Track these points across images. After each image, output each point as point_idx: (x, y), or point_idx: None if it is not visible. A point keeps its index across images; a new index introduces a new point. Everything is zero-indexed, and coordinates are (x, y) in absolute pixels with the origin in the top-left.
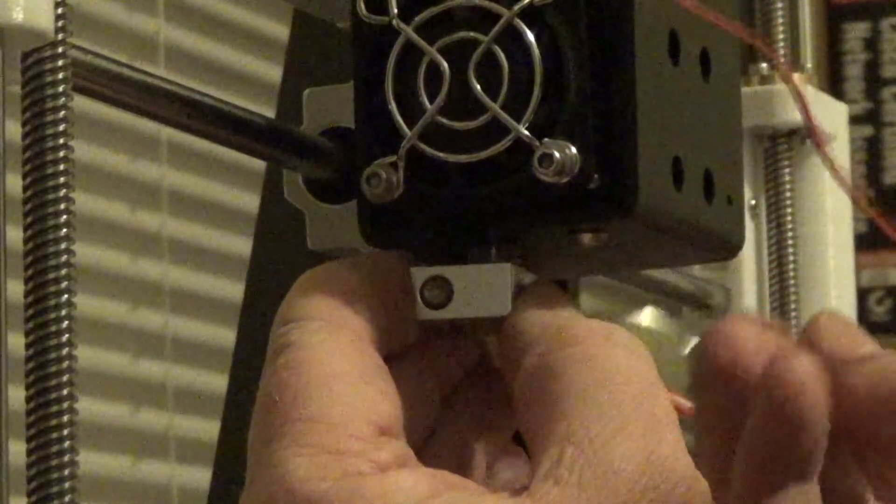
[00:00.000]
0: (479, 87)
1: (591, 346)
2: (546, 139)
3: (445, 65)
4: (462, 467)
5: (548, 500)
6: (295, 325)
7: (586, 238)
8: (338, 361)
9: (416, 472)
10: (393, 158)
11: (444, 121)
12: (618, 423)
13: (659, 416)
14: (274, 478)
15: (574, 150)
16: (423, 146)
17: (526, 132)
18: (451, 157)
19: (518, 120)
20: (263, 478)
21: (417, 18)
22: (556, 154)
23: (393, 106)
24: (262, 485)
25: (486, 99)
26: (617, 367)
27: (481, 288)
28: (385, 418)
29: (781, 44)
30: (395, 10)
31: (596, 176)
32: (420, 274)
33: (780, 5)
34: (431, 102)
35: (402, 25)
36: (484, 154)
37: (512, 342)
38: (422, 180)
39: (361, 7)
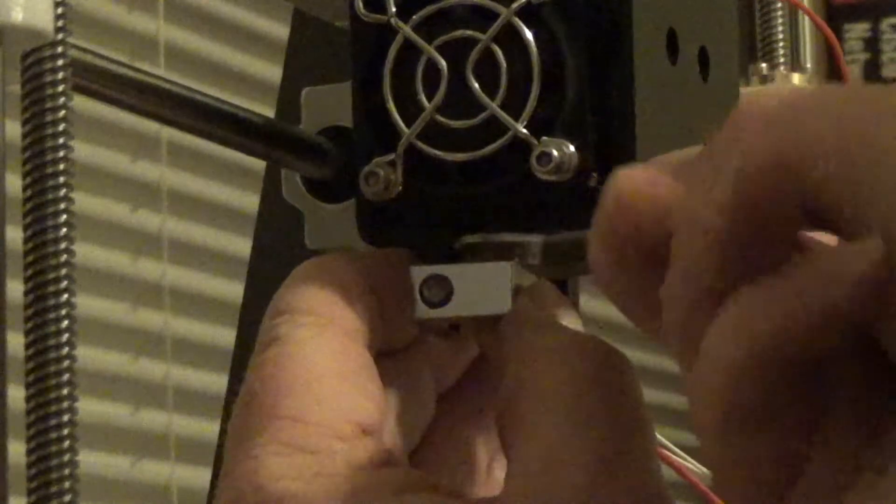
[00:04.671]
0: (477, 85)
1: (571, 363)
2: (544, 137)
3: (444, 63)
4: (459, 465)
5: None
6: (284, 318)
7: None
8: (323, 359)
9: (388, 473)
10: (391, 157)
11: (443, 119)
12: (586, 447)
13: (630, 439)
14: (246, 473)
15: (572, 148)
16: (421, 144)
17: (524, 130)
18: (450, 156)
19: (516, 118)
20: (236, 473)
21: (416, 17)
22: (555, 152)
23: (391, 104)
24: (233, 480)
25: (484, 97)
26: (594, 386)
27: (481, 287)
28: (366, 418)
29: (781, 44)
30: (394, 9)
31: (594, 174)
32: (419, 272)
33: (780, 5)
34: (430, 101)
35: (401, 24)
36: (482, 152)
37: (500, 347)
38: (420, 179)
39: (359, 5)
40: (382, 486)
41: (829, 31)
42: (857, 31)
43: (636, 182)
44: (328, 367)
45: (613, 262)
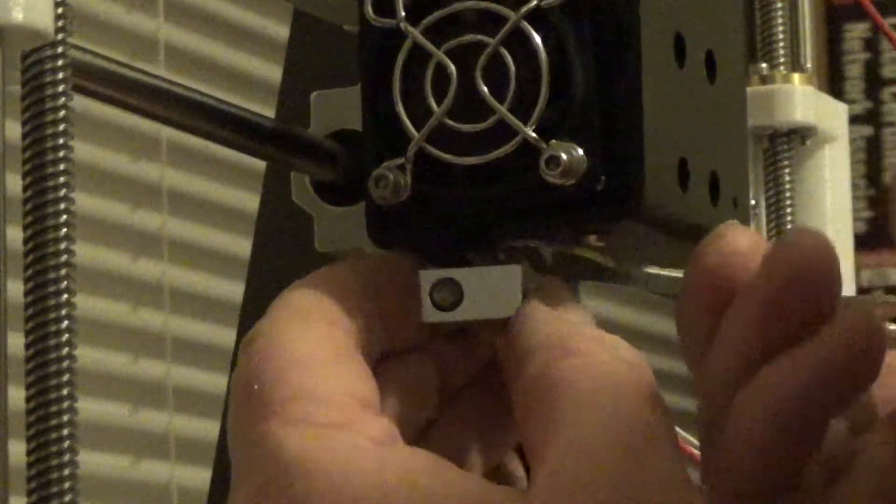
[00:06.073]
0: (486, 89)
1: (594, 358)
2: (553, 141)
3: (453, 67)
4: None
5: (544, 500)
6: (263, 319)
7: (592, 239)
8: (308, 344)
9: (412, 450)
10: (400, 160)
11: (452, 123)
12: (614, 438)
13: (656, 430)
14: (268, 457)
15: (581, 151)
16: (430, 148)
17: (533, 134)
18: (459, 160)
19: (525, 122)
20: (256, 459)
21: (425, 21)
22: (563, 156)
23: (400, 108)
24: (255, 467)
25: (493, 101)
26: (618, 380)
27: (491, 290)
28: (364, 395)
29: (781, 44)
30: (403, 13)
31: (602, 178)
32: (429, 276)
33: (780, 5)
34: (439, 105)
35: (410, 28)
36: (491, 156)
37: (515, 346)
38: (429, 182)
39: (368, 10)
40: (412, 462)
41: None
42: (857, 31)
43: (749, 242)
44: (315, 350)
45: (709, 302)
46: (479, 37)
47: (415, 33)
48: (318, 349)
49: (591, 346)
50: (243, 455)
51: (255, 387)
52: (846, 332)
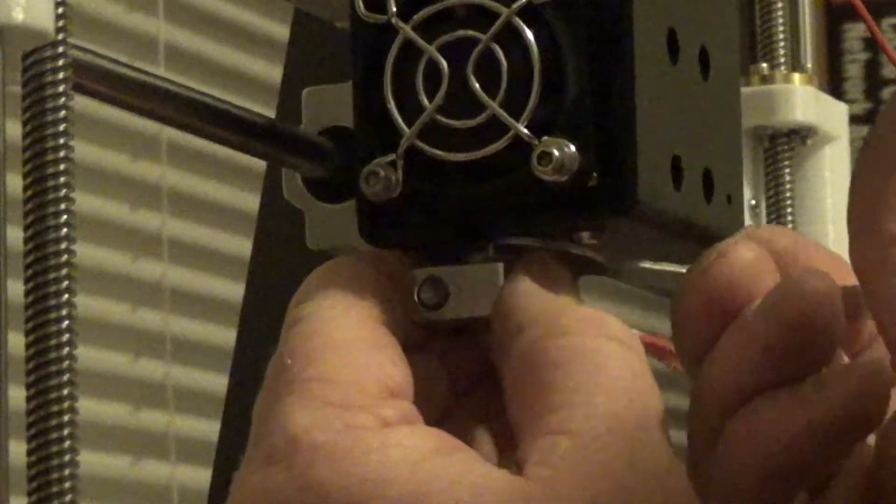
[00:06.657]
0: (478, 85)
1: (586, 338)
2: (545, 137)
3: (444, 63)
4: None
5: (543, 483)
6: (307, 303)
7: (585, 237)
8: (348, 330)
9: (420, 430)
10: (392, 157)
11: (443, 119)
12: (609, 419)
13: (649, 411)
14: (277, 429)
15: (573, 148)
16: (422, 145)
17: (525, 130)
18: (450, 156)
19: (517, 118)
20: (267, 431)
21: (416, 17)
22: (556, 152)
23: (392, 105)
24: (265, 437)
25: (484, 97)
26: (610, 361)
27: (474, 288)
28: (395, 381)
29: (781, 44)
30: (394, 9)
31: (595, 174)
32: (417, 275)
33: (780, 5)
34: (430, 101)
35: (401, 24)
36: (483, 152)
37: (504, 321)
38: (421, 179)
39: (360, 6)
40: (416, 442)
41: None
42: (857, 31)
43: (754, 259)
44: (353, 337)
45: (710, 315)
46: (471, 32)
47: (406, 29)
48: (358, 335)
49: (581, 324)
50: (259, 426)
51: (288, 363)
52: (850, 390)
